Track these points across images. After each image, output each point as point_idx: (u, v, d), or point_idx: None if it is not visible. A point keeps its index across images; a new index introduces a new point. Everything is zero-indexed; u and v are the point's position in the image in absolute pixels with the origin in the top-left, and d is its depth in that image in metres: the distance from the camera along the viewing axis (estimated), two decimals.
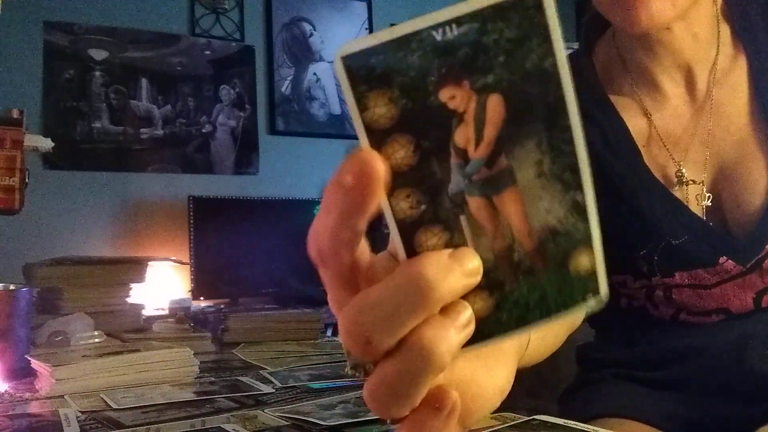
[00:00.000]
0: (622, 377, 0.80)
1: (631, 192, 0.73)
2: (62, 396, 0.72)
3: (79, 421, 0.62)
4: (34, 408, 0.69)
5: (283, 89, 4.23)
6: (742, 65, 0.71)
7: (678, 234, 0.71)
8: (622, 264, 0.75)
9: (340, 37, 4.42)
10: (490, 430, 0.52)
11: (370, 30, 4.43)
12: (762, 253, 0.68)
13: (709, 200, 0.71)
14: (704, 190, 0.71)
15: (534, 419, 0.54)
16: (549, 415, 0.55)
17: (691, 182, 0.72)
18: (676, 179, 0.72)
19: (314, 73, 4.36)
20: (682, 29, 0.69)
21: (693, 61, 0.71)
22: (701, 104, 0.72)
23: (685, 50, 0.70)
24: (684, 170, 0.72)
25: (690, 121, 0.73)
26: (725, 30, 0.71)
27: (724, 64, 0.71)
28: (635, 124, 0.75)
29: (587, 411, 0.77)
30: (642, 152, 0.74)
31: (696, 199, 0.71)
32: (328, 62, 4.40)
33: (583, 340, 0.92)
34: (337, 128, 4.36)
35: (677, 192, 0.72)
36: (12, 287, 0.88)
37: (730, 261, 0.70)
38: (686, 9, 0.64)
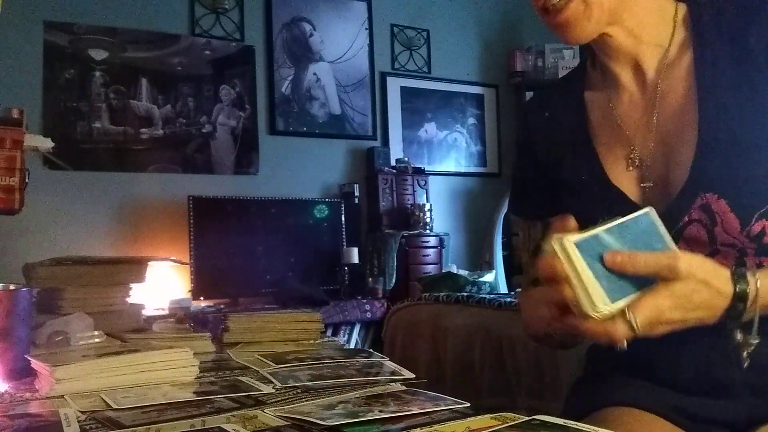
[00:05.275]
0: (624, 372, 0.84)
1: (585, 188, 0.85)
2: (62, 396, 0.72)
3: (79, 421, 0.62)
4: (34, 408, 0.69)
5: (283, 89, 4.22)
6: (688, 57, 0.81)
7: (610, 210, 0.79)
8: None
9: (340, 37, 4.42)
10: (490, 430, 0.52)
11: (370, 30, 4.43)
12: (680, 223, 0.77)
13: (650, 181, 0.81)
14: (648, 171, 0.81)
15: (534, 419, 0.54)
16: (549, 415, 0.55)
17: (641, 164, 0.82)
18: (629, 161, 0.83)
19: (314, 73, 4.35)
20: (621, 34, 0.81)
21: (639, 56, 0.82)
22: (651, 93, 0.82)
23: (629, 49, 0.82)
24: (636, 153, 0.83)
25: (643, 109, 0.83)
26: (680, 32, 0.82)
27: (672, 57, 0.81)
28: (600, 114, 0.87)
29: (594, 402, 0.82)
30: (603, 140, 0.86)
31: (641, 179, 0.82)
32: (328, 62, 4.40)
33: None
34: (337, 128, 4.36)
35: (631, 173, 0.83)
36: (12, 287, 0.88)
37: None
38: (603, 23, 0.79)
